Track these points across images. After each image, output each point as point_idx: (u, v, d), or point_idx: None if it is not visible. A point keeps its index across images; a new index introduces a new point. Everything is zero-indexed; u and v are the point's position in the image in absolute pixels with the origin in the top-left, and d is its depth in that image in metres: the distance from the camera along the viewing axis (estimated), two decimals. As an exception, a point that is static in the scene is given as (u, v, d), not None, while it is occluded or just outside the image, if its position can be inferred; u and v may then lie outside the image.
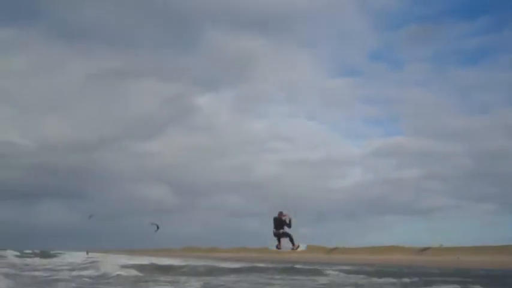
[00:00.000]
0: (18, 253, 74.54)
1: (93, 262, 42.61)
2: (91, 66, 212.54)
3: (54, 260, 53.94)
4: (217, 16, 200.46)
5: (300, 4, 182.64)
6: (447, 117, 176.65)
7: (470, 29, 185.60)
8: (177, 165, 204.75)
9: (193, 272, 31.96)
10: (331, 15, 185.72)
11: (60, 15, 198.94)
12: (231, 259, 74.03)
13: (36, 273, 29.36)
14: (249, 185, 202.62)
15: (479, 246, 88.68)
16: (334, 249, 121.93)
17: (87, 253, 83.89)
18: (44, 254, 74.67)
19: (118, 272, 29.01)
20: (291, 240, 16.40)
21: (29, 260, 52.03)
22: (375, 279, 25.23)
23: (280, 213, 16.69)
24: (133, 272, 29.59)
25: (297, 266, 43.12)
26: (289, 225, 16.38)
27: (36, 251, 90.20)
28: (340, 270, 35.35)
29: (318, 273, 33.28)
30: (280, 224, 17.12)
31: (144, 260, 42.79)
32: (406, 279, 24.36)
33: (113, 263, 38.42)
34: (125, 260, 42.81)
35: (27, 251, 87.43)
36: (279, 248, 16.84)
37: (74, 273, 27.65)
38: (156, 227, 30.29)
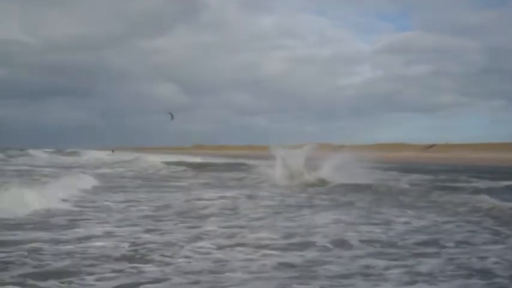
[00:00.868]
0: (45, 151, 75.33)
1: (130, 160, 43.46)
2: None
3: (84, 158, 55.13)
4: None
5: None
6: (459, 11, 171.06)
7: None
8: (185, 62, 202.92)
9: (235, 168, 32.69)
10: None
11: None
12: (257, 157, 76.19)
13: (102, 170, 29.23)
14: (257, 83, 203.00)
15: (486, 143, 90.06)
16: (340, 147, 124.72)
17: (113, 151, 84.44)
18: (63, 153, 75.48)
19: (172, 169, 29.82)
20: None
21: (63, 158, 53.32)
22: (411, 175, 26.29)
23: None
24: (184, 168, 30.40)
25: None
26: None
27: (49, 149, 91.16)
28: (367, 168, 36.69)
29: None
30: None
31: (172, 158, 44.05)
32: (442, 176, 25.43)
33: (151, 160, 39.51)
34: (154, 158, 44.02)
35: (47, 150, 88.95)
36: None
37: (129, 172, 27.91)
38: (171, 116, 32.92)
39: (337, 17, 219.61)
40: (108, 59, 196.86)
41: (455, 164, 50.96)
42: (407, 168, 37.27)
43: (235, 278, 5.66)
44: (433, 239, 8.03)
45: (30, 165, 33.16)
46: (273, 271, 5.98)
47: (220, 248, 7.16)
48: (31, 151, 67.14)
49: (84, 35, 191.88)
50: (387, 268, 6.20)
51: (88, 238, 7.73)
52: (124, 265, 6.16)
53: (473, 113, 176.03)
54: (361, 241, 7.82)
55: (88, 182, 17.65)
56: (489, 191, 15.46)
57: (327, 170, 20.67)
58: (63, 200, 12.38)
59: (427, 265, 6.35)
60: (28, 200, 10.74)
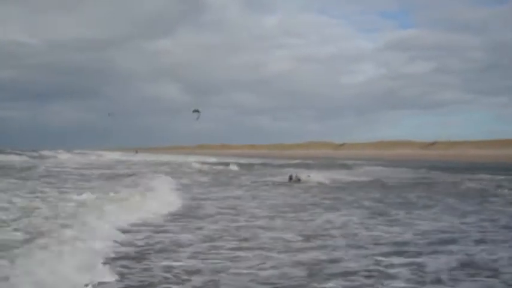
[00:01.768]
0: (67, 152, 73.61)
1: (168, 162, 42.15)
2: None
3: (104, 159, 53.42)
4: None
5: None
6: (461, 8, 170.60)
7: None
8: (188, 63, 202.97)
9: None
10: None
11: None
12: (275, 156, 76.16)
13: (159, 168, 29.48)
14: (260, 82, 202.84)
15: (488, 140, 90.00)
16: (342, 145, 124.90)
17: (136, 152, 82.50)
18: (83, 154, 74.22)
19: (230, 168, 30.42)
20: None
21: (93, 158, 51.52)
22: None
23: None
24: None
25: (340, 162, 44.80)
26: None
27: (60, 150, 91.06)
28: (373, 165, 36.95)
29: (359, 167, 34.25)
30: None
31: (202, 159, 44.35)
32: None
33: (190, 161, 39.53)
34: (186, 159, 44.23)
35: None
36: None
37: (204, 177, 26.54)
38: (198, 115, 30.12)
39: (339, 16, 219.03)
40: (113, 60, 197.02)
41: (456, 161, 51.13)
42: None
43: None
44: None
45: (79, 167, 30.67)
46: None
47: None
48: (47, 152, 65.47)
49: (89, 36, 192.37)
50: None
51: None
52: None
53: (475, 110, 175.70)
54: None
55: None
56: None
57: None
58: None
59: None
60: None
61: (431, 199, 13.75)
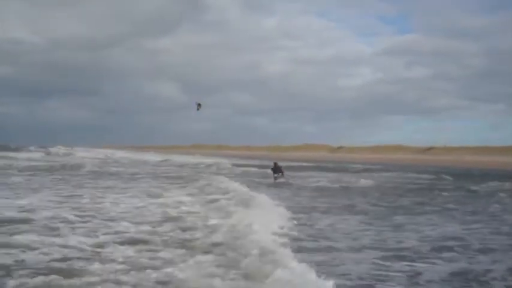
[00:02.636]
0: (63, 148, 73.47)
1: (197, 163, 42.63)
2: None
3: (116, 156, 53.42)
4: None
5: None
6: (459, 15, 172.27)
7: None
8: (187, 62, 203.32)
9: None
10: None
11: None
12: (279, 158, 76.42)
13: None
14: (258, 83, 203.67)
15: (484, 147, 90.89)
16: (339, 148, 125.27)
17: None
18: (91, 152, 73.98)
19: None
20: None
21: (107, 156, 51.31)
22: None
23: (276, 163, 25.53)
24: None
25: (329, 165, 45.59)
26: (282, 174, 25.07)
27: (59, 146, 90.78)
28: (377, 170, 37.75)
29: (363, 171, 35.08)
30: (276, 170, 25.08)
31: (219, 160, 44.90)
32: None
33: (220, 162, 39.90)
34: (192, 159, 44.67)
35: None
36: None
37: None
38: (198, 106, 32.05)
39: (338, 19, 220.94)
40: (113, 58, 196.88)
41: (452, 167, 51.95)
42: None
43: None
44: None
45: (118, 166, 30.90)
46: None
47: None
48: (55, 148, 65.03)
49: (89, 34, 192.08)
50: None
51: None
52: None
53: (472, 116, 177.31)
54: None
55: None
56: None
57: None
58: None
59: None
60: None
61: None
